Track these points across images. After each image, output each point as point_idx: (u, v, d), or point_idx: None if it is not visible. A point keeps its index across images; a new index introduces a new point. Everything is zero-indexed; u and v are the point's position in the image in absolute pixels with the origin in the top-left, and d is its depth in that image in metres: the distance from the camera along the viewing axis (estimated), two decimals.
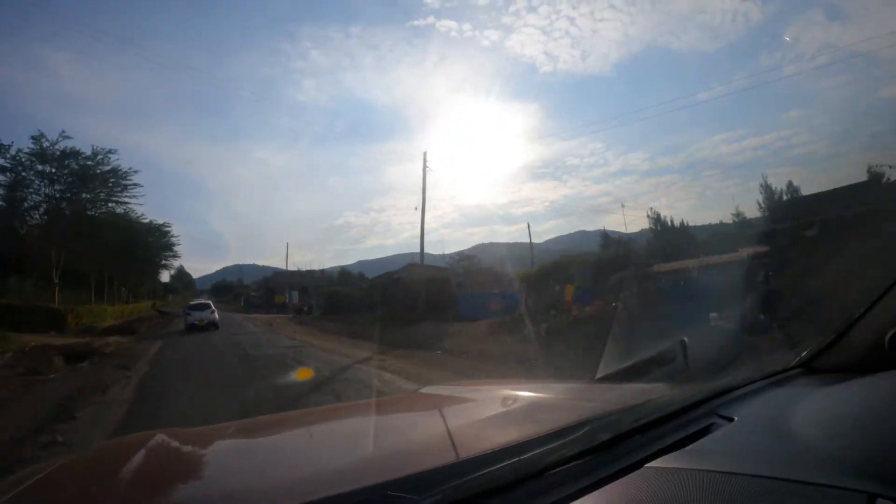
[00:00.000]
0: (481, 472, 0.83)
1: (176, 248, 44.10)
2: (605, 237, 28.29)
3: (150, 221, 36.85)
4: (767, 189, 23.16)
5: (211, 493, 1.05)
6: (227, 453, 1.38)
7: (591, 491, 0.87)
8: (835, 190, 15.88)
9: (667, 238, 23.42)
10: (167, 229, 39.70)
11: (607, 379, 1.82)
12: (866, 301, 1.43)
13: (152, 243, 39.00)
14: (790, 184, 23.05)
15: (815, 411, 1.15)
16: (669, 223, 26.29)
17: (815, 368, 1.47)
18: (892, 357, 1.28)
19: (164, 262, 48.32)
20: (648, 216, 26.41)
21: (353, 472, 1.03)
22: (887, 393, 1.20)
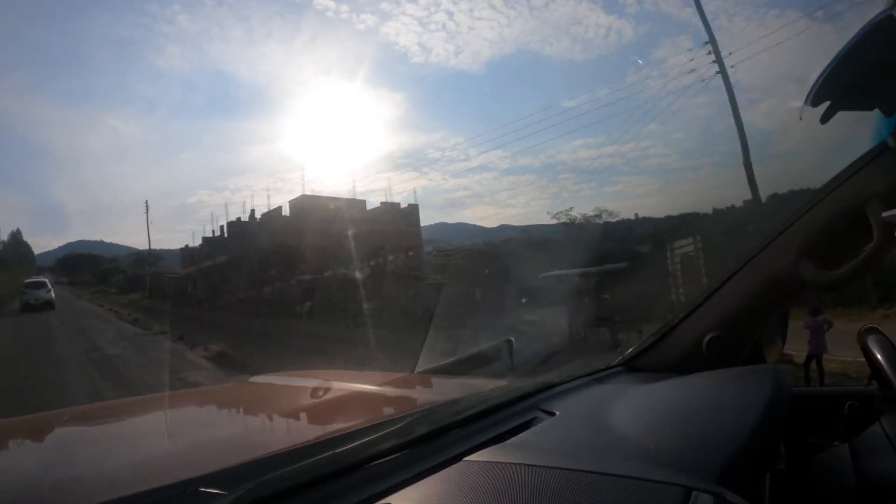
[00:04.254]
0: (294, 466, 0.82)
1: None
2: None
3: None
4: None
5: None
6: (29, 447, 1.27)
7: (409, 485, 0.87)
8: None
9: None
10: None
11: (428, 373, 1.78)
12: (686, 307, 1.55)
13: None
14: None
15: (633, 407, 1.20)
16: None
17: (637, 367, 1.54)
18: (709, 359, 1.40)
19: None
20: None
21: (164, 467, 0.95)
22: (702, 391, 1.28)
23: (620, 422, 1.11)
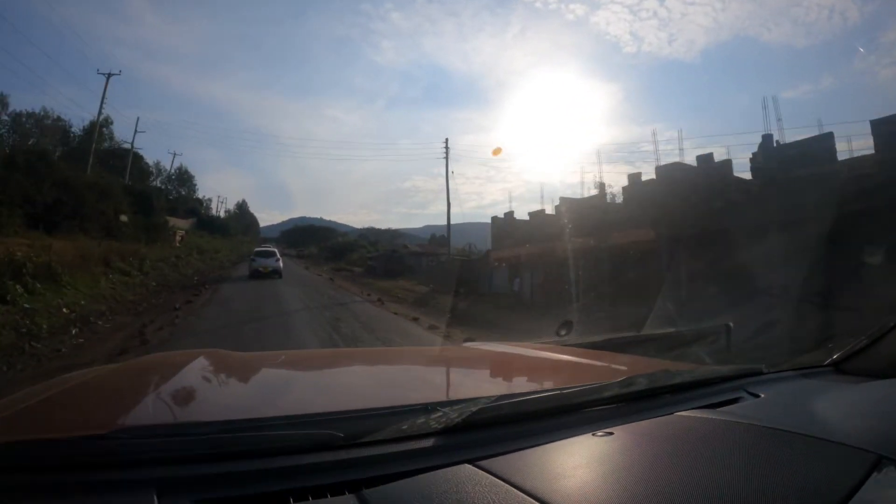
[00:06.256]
0: (520, 399, 0.96)
1: None
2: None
3: None
4: None
5: (243, 402, 1.13)
6: (270, 376, 1.46)
7: (626, 423, 0.97)
8: None
9: None
10: None
11: (653, 338, 1.90)
12: None
13: None
14: None
15: (836, 403, 1.19)
16: None
17: (844, 370, 1.47)
18: None
19: None
20: None
21: (407, 394, 1.17)
22: None
23: (822, 411, 1.12)
